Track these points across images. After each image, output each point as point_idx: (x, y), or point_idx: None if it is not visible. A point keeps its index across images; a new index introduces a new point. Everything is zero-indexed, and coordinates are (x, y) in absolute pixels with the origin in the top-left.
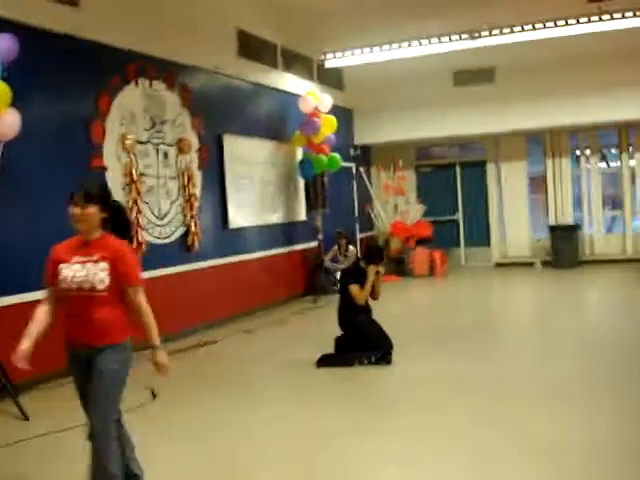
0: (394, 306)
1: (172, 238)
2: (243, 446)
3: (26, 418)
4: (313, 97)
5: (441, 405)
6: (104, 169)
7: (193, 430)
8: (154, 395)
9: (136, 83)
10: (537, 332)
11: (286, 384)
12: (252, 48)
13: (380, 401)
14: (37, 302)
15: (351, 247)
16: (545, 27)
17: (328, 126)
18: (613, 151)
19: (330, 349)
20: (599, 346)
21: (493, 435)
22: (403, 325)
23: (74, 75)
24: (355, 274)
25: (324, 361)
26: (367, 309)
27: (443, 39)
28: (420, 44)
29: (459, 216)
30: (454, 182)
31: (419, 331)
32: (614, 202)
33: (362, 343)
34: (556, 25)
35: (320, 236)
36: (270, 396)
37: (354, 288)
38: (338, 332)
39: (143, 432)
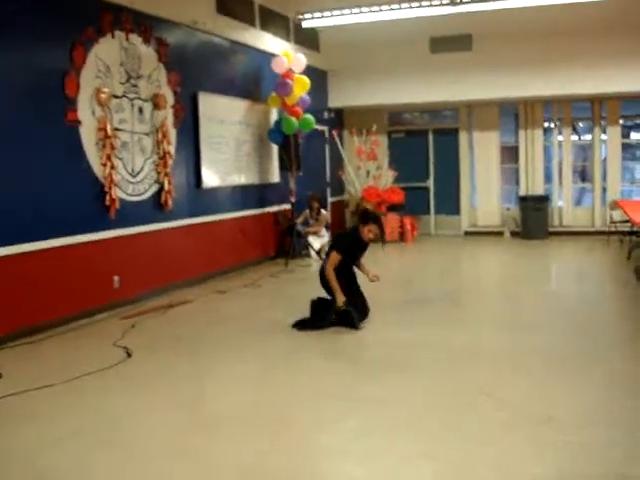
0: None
1: (145, 196)
2: (213, 403)
3: None
4: (287, 57)
5: (404, 370)
6: (78, 123)
7: (168, 388)
8: (129, 354)
9: (112, 35)
10: (502, 301)
11: (259, 344)
12: (230, 4)
13: (344, 364)
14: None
15: (323, 211)
16: None
17: (301, 87)
18: (583, 125)
19: (303, 312)
20: (572, 316)
21: (469, 400)
22: (369, 291)
23: (47, 25)
24: (349, 243)
25: (300, 325)
26: (350, 274)
27: (423, 3)
28: (400, 7)
29: (430, 183)
30: (426, 149)
31: (385, 297)
32: (583, 175)
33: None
34: None
35: (293, 199)
36: (243, 355)
37: (334, 257)
38: (310, 295)
39: (122, 390)
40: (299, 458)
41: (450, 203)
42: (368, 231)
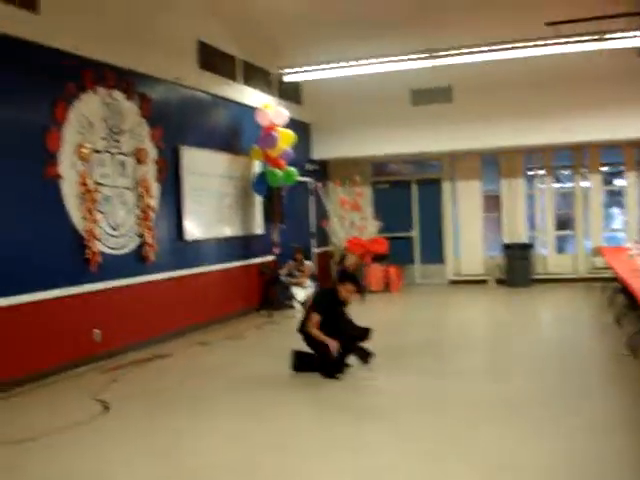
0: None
1: (127, 249)
2: (195, 458)
3: None
4: (270, 110)
5: (389, 418)
6: (59, 177)
7: (147, 442)
8: (106, 407)
9: (94, 91)
10: (488, 349)
11: (240, 398)
12: (212, 60)
13: (330, 414)
14: None
15: (307, 262)
16: (503, 49)
17: (285, 140)
18: (566, 173)
19: (287, 363)
20: (549, 363)
21: (437, 449)
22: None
23: (29, 81)
24: (327, 302)
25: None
26: (334, 319)
27: (401, 57)
28: (380, 62)
29: (415, 233)
30: (410, 199)
31: (374, 347)
32: (567, 222)
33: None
34: (513, 47)
35: (277, 250)
36: (224, 409)
37: (313, 317)
38: (294, 346)
39: (97, 444)
40: None
41: (434, 252)
42: (345, 290)
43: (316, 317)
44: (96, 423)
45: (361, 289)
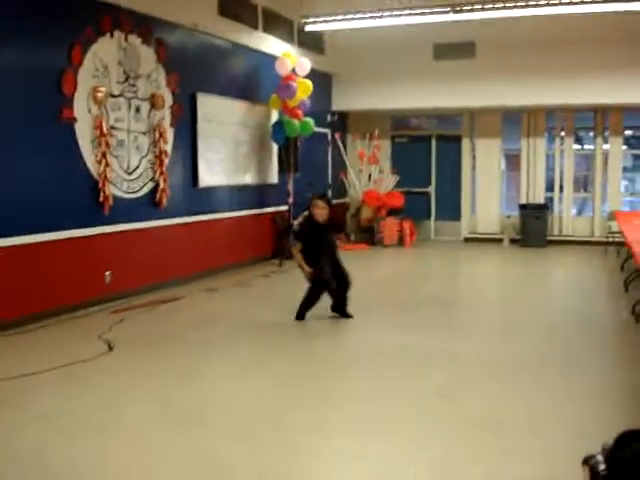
0: (360, 274)
1: (140, 193)
2: (191, 399)
3: None
4: (290, 60)
5: (391, 373)
6: (74, 120)
7: (145, 381)
8: (110, 347)
9: (111, 35)
10: (498, 308)
11: (239, 343)
12: (233, 7)
13: (332, 368)
14: None
15: None
16: (527, 5)
17: (303, 90)
18: (589, 134)
19: (290, 311)
20: (553, 326)
21: (437, 407)
22: (366, 293)
23: (47, 25)
24: (305, 230)
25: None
26: (325, 252)
27: (425, 10)
28: (401, 14)
29: (432, 189)
30: (429, 154)
31: (381, 300)
32: (585, 184)
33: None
34: (538, 4)
35: (290, 200)
36: (226, 354)
37: (297, 246)
38: (300, 294)
39: (97, 381)
40: (272, 456)
41: (451, 209)
42: (317, 209)
43: (298, 245)
44: (99, 361)
45: (337, 214)
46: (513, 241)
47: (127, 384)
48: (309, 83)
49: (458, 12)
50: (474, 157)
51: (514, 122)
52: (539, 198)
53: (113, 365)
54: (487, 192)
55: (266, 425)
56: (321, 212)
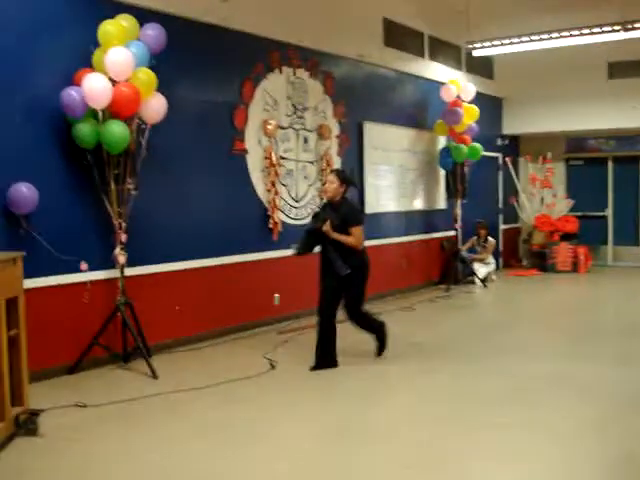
0: (530, 299)
1: (307, 220)
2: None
3: (155, 377)
4: (456, 86)
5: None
6: (245, 152)
7: (299, 399)
8: (272, 366)
9: (280, 71)
10: None
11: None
12: (398, 37)
13: (489, 398)
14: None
15: (490, 238)
16: None
17: (470, 115)
18: None
19: (441, 336)
20: None
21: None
22: (536, 319)
23: (219, 63)
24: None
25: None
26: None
27: (594, 30)
28: (570, 35)
29: (609, 212)
30: (605, 176)
31: (550, 327)
32: None
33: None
34: None
35: (458, 225)
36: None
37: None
38: (461, 321)
39: (256, 396)
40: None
41: (629, 234)
42: (328, 182)
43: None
44: (260, 378)
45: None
46: None
47: (286, 400)
48: (476, 109)
49: (629, 30)
50: None
51: None
52: None
53: (273, 382)
54: None
55: (436, 451)
56: (329, 186)
